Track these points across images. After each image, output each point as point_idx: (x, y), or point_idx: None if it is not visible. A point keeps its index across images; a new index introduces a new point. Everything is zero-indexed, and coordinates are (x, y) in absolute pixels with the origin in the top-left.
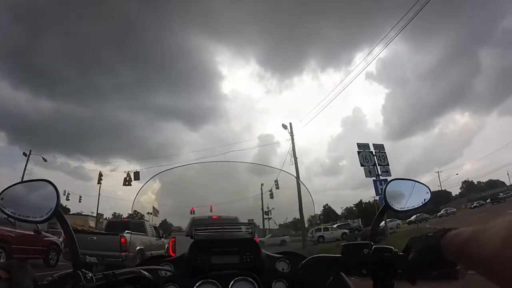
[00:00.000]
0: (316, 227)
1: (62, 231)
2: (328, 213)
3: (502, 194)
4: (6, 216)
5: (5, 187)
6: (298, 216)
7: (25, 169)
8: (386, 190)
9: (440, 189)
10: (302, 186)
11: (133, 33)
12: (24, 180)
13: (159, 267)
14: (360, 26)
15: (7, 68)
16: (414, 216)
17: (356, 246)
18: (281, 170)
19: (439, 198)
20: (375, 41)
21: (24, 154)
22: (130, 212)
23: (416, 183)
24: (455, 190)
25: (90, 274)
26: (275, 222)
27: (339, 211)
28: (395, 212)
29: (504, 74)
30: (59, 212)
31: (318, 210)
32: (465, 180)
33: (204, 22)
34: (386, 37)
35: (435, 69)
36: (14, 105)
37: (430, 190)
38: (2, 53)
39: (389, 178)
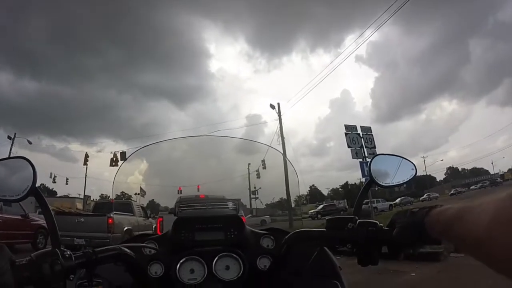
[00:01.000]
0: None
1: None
2: (314, 194)
3: (487, 182)
4: None
5: None
6: (285, 196)
7: (10, 152)
8: (371, 165)
9: (425, 174)
10: (289, 165)
11: (119, 11)
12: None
13: (143, 244)
14: (352, 7)
15: None
16: (399, 199)
17: (340, 220)
18: (269, 146)
19: (424, 182)
20: (366, 23)
21: (9, 137)
22: (113, 193)
23: (402, 159)
24: (440, 176)
25: (68, 252)
26: (261, 202)
27: (325, 192)
28: (380, 187)
29: (493, 65)
30: (36, 190)
31: (305, 190)
32: (450, 167)
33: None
34: (378, 20)
35: (425, 55)
36: None
37: (415, 167)
38: None
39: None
